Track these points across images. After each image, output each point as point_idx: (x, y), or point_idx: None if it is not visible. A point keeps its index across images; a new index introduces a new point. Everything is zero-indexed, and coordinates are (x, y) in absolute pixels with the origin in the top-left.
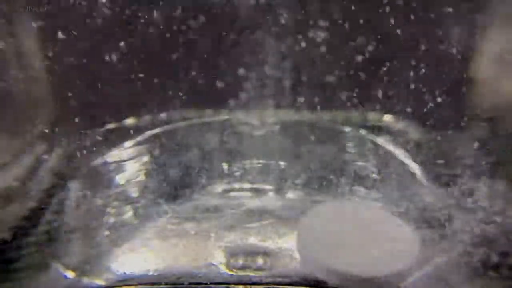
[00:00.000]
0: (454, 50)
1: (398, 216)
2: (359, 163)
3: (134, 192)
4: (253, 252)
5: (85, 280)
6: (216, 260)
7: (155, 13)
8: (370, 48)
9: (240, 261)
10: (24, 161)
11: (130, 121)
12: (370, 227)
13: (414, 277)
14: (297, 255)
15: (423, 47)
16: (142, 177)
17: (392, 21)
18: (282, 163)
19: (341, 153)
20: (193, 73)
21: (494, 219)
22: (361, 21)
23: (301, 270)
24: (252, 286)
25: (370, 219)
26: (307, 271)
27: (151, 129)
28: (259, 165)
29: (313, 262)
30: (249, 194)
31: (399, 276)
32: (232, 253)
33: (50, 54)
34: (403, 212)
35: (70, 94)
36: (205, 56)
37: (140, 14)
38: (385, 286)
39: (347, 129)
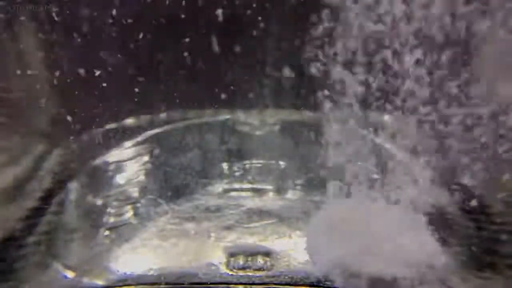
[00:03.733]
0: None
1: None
2: (359, 163)
3: (134, 192)
4: (253, 252)
5: (85, 280)
6: (216, 260)
7: (154, 14)
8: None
9: (240, 261)
10: (24, 161)
11: (130, 121)
12: (382, 226)
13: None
14: (306, 255)
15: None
16: (142, 177)
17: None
18: (282, 163)
19: (341, 153)
20: (193, 72)
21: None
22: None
23: (309, 270)
24: (252, 286)
25: (383, 219)
26: (318, 271)
27: (151, 129)
28: (259, 165)
29: (325, 264)
30: (249, 194)
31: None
32: (232, 253)
33: (50, 54)
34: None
35: (70, 94)
36: (205, 56)
37: (139, 15)
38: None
39: (347, 129)
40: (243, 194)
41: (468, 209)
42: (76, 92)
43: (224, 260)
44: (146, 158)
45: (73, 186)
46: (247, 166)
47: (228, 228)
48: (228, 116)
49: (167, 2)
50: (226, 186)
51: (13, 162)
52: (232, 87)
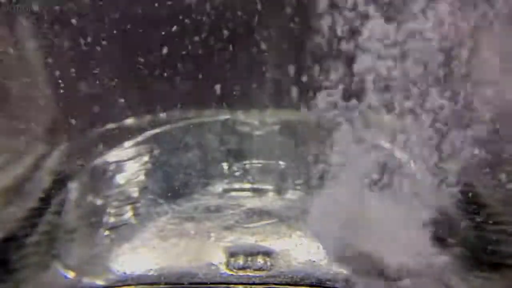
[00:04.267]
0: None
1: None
2: (359, 163)
3: (134, 192)
4: (253, 252)
5: (85, 280)
6: (216, 260)
7: (154, 13)
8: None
9: (240, 261)
10: (24, 161)
11: (130, 121)
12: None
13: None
14: (306, 255)
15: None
16: (142, 177)
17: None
18: (282, 163)
19: (341, 153)
20: (193, 72)
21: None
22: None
23: (310, 270)
24: (252, 286)
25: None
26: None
27: (151, 129)
28: (259, 165)
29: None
30: (249, 194)
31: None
32: (232, 253)
33: (50, 54)
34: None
35: (70, 94)
36: (204, 56)
37: (139, 14)
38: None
39: (347, 129)
40: (243, 194)
41: (468, 209)
42: (76, 92)
43: (224, 260)
44: (146, 158)
45: (73, 186)
46: (247, 166)
47: (228, 228)
48: (228, 116)
49: (168, 3)
50: (226, 186)
51: (13, 162)
52: (232, 87)
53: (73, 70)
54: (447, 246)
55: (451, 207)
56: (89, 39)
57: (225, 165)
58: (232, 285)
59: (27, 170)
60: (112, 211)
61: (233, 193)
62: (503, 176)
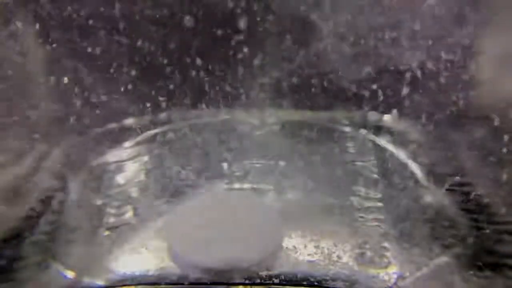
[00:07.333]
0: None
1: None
2: (359, 163)
3: (134, 192)
4: None
5: (85, 280)
6: None
7: (154, 13)
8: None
9: None
10: (24, 161)
11: (130, 121)
12: (235, 216)
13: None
14: (306, 255)
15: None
16: (142, 177)
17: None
18: (282, 163)
19: (341, 153)
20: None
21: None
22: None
23: (310, 270)
24: (252, 286)
25: (237, 208)
26: (182, 270)
27: (151, 129)
28: (259, 165)
29: (184, 261)
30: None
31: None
32: None
33: (51, 54)
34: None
35: (70, 94)
36: (205, 55)
37: (139, 14)
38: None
39: (347, 129)
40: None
41: (468, 209)
42: (76, 92)
43: None
44: (146, 158)
45: (73, 186)
46: (247, 166)
47: None
48: (228, 116)
49: (167, 3)
50: (226, 186)
51: (13, 162)
52: (232, 87)
53: (73, 69)
54: (447, 246)
55: (451, 207)
56: (90, 40)
57: (225, 165)
58: (232, 285)
59: (27, 170)
60: (112, 211)
61: None
62: (503, 176)
